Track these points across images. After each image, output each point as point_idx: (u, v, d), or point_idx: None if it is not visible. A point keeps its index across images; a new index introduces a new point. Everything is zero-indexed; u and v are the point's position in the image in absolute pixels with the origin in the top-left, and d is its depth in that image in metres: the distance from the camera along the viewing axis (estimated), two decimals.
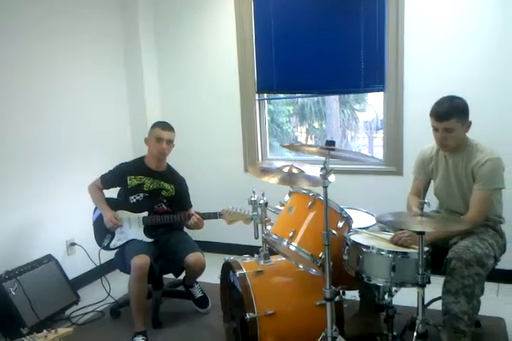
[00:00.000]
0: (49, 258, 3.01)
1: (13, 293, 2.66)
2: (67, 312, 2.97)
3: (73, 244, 3.31)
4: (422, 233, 1.78)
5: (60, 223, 3.22)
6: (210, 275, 2.81)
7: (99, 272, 3.20)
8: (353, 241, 2.04)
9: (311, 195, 2.08)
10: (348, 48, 3.42)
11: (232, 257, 2.37)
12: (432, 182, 2.52)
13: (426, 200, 1.90)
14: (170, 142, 2.82)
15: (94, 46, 3.55)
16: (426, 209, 1.93)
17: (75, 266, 3.25)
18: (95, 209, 2.92)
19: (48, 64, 3.13)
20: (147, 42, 3.89)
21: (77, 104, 3.39)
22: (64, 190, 3.23)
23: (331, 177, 1.94)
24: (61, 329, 1.87)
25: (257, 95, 3.78)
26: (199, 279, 2.94)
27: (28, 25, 2.97)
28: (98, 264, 3.04)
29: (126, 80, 3.89)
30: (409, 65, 3.23)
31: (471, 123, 2.26)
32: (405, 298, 2.38)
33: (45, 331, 1.85)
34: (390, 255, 1.91)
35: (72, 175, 3.26)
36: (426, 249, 1.89)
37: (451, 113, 2.19)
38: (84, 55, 3.44)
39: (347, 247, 2.07)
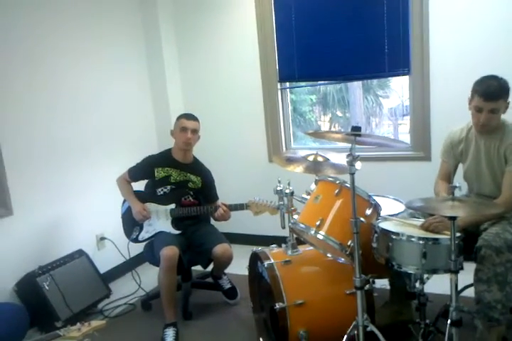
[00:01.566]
0: (80, 253, 3.07)
1: (47, 288, 2.72)
2: (100, 305, 3.02)
3: (103, 239, 3.36)
4: (453, 218, 1.72)
5: (90, 218, 3.28)
6: (238, 267, 2.81)
7: (129, 265, 3.24)
8: (382, 228, 2.00)
9: (337, 182, 2.05)
10: (370, 32, 3.33)
11: (259, 248, 2.37)
12: (461, 165, 2.44)
13: (457, 184, 1.83)
14: (195, 131, 2.82)
15: (116, 43, 3.56)
16: (456, 193, 1.87)
17: (105, 260, 3.30)
18: (123, 202, 2.95)
19: (70, 63, 3.16)
20: (167, 35, 3.88)
21: (102, 102, 3.42)
22: (92, 185, 3.28)
23: (358, 164, 1.90)
24: (94, 322, 1.91)
25: (278, 84, 3.74)
26: (227, 270, 2.95)
27: (50, 24, 2.99)
28: (128, 258, 3.08)
29: (148, 74, 3.90)
30: (434, 46, 3.13)
31: (509, 103, 2.18)
32: (437, 285, 2.32)
33: (78, 324, 1.89)
34: (421, 241, 1.86)
35: (100, 170, 3.30)
36: (458, 234, 1.83)
37: (499, 93, 2.11)
38: (106, 53, 3.45)
39: (376, 235, 2.03)
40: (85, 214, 3.24)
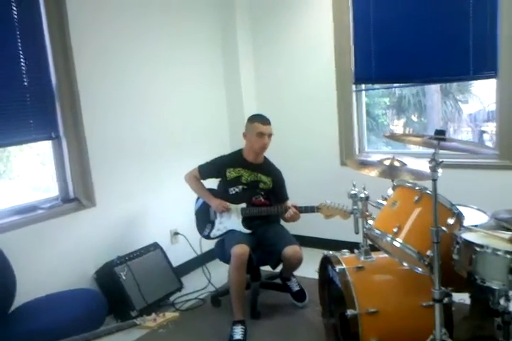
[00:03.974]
0: (155, 246, 3.19)
1: (124, 278, 2.85)
2: (172, 298, 3.12)
3: (176, 234, 3.47)
4: None
5: (165, 213, 3.40)
6: (307, 270, 2.79)
7: (200, 261, 3.31)
8: (465, 239, 1.89)
9: (417, 188, 1.97)
10: (454, 31, 3.15)
11: (330, 252, 2.33)
12: None
13: None
14: (271, 136, 2.84)
15: (192, 42, 3.64)
16: None
17: (178, 254, 3.39)
18: (197, 199, 3.03)
19: (149, 62, 3.29)
20: (243, 35, 3.91)
21: (177, 102, 3.53)
22: (167, 182, 3.39)
23: (439, 171, 1.82)
24: (168, 314, 1.96)
25: (354, 86, 3.66)
26: (296, 273, 2.94)
27: (124, 24, 3.10)
28: (199, 253, 3.16)
29: (223, 73, 3.95)
30: None
31: None
32: None
33: (153, 314, 1.95)
34: (508, 256, 1.73)
35: (175, 168, 3.37)
36: None
37: None
38: (181, 53, 3.54)
39: (457, 246, 1.92)
40: (160, 209, 3.37)
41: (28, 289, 2.30)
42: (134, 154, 3.18)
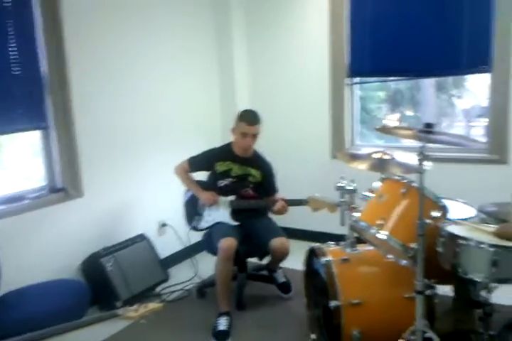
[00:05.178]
0: (142, 237, 3.17)
1: (110, 268, 2.84)
2: (157, 289, 3.10)
3: (164, 225, 3.45)
4: None
5: (152, 204, 3.38)
6: (293, 261, 2.78)
7: (187, 252, 3.30)
8: (450, 232, 1.89)
9: (404, 181, 1.96)
10: (449, 23, 3.14)
11: (316, 244, 2.33)
12: None
13: None
14: (256, 135, 2.81)
15: (186, 34, 3.61)
16: None
17: (165, 246, 3.37)
18: (186, 191, 3.01)
19: (143, 53, 3.26)
20: (238, 28, 3.88)
21: (169, 91, 3.49)
22: (155, 173, 3.37)
23: (428, 164, 1.81)
24: (151, 304, 1.92)
25: (347, 79, 3.64)
26: (282, 264, 2.93)
27: (123, 16, 3.09)
28: (187, 245, 3.15)
29: (217, 66, 3.92)
30: None
31: None
32: (505, 295, 2.17)
33: (136, 305, 1.93)
34: (491, 249, 1.74)
35: (163, 159, 3.36)
36: None
37: None
38: (177, 45, 3.52)
39: (442, 239, 1.92)
40: (148, 200, 3.35)
41: (13, 278, 2.27)
42: (123, 145, 3.15)
